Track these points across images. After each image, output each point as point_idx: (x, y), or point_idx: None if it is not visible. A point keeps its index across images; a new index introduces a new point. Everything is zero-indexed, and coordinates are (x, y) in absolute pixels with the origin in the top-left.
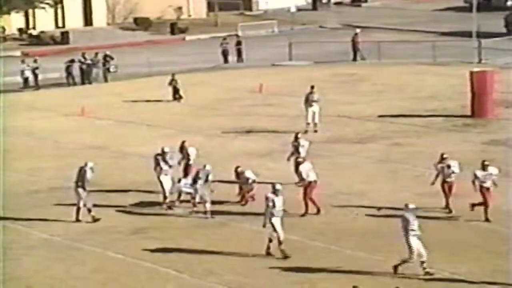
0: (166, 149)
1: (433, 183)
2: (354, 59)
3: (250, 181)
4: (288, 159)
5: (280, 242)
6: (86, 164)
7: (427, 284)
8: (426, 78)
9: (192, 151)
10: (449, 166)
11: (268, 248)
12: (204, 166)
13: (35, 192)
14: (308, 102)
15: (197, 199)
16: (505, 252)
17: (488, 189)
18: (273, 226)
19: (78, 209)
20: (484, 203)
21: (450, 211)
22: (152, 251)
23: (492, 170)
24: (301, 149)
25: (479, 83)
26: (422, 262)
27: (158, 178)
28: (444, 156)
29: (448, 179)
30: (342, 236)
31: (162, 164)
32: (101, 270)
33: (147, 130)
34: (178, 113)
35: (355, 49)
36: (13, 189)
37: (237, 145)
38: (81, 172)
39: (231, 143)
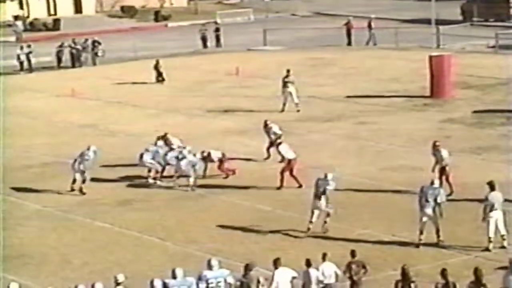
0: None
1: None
2: (349, 43)
3: (216, 159)
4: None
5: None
6: (89, 148)
7: (387, 247)
8: (389, 62)
9: (175, 142)
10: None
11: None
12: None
13: (28, 167)
14: (284, 84)
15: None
16: (461, 220)
17: (443, 167)
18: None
19: (74, 180)
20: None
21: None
22: (137, 221)
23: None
24: (272, 135)
25: (438, 66)
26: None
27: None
28: (437, 144)
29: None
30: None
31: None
32: (90, 238)
33: (132, 110)
34: (161, 94)
35: (349, 35)
36: (8, 164)
37: (216, 124)
38: (82, 154)
39: (210, 122)
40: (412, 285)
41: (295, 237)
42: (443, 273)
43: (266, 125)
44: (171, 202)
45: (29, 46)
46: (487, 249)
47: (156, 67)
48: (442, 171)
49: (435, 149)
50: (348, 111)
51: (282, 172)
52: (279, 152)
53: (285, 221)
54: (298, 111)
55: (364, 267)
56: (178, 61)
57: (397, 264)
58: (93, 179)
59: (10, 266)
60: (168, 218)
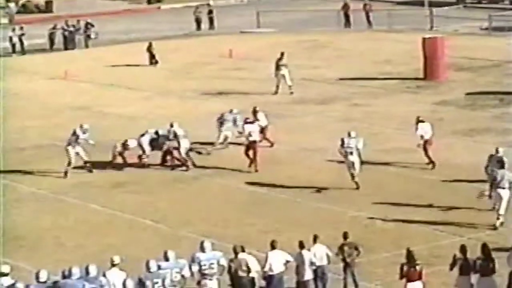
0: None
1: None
2: (346, 25)
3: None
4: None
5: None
6: (81, 126)
7: (380, 228)
8: (382, 44)
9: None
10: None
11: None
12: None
13: (22, 149)
14: (277, 66)
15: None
16: (454, 201)
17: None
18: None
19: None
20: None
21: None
22: (131, 203)
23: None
24: (261, 123)
25: (431, 48)
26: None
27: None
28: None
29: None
30: (305, 189)
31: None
32: (84, 221)
33: (126, 92)
34: (155, 77)
35: (347, 17)
36: (0, 147)
37: (209, 106)
38: (74, 134)
39: (204, 104)
40: (417, 267)
41: (289, 219)
42: (463, 249)
43: (255, 111)
44: (164, 184)
45: (21, 28)
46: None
47: (149, 49)
48: (425, 144)
49: (418, 124)
50: (341, 93)
51: (246, 153)
52: (243, 130)
53: (279, 203)
54: (291, 93)
55: (357, 248)
56: (172, 43)
57: (390, 246)
58: (86, 162)
59: (3, 248)
60: (161, 200)
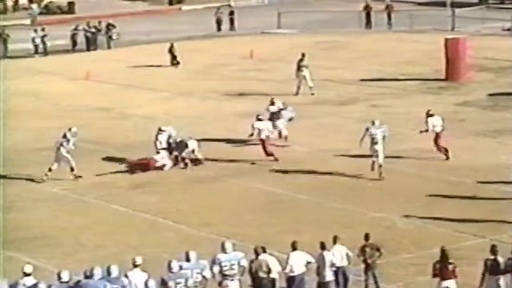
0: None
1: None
2: (367, 26)
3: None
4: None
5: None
6: (70, 129)
7: (401, 229)
8: (403, 45)
9: (192, 144)
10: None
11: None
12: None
13: (39, 149)
14: (299, 67)
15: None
16: (475, 203)
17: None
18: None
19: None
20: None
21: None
22: (152, 204)
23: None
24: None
25: (453, 49)
26: None
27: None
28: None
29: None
30: (326, 189)
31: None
32: (105, 221)
33: (147, 93)
34: (176, 78)
35: (368, 17)
36: (20, 147)
37: (230, 107)
38: (64, 136)
39: (224, 105)
40: (450, 266)
41: (309, 220)
42: (493, 249)
43: (272, 103)
44: (185, 185)
45: (43, 29)
46: None
47: (171, 50)
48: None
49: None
50: (361, 94)
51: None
52: (253, 127)
53: (300, 204)
54: (312, 94)
55: (378, 250)
56: (193, 44)
57: (412, 247)
58: (107, 162)
59: (24, 247)
60: (182, 201)
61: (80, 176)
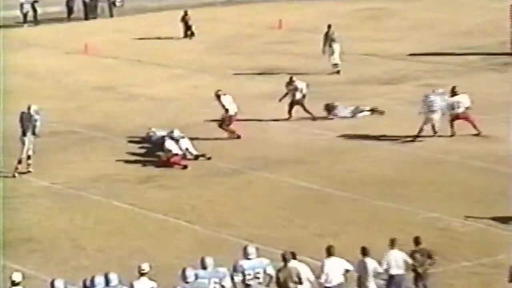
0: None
1: None
2: None
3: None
4: (280, 100)
5: None
6: (29, 108)
7: (458, 233)
8: (462, 12)
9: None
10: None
11: None
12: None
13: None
14: (327, 41)
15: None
16: None
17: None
18: None
19: (20, 161)
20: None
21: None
22: (162, 200)
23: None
24: (297, 94)
25: None
26: None
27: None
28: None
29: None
30: (368, 185)
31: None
32: (106, 220)
33: (156, 69)
34: (190, 51)
35: None
36: (10, 134)
37: (253, 86)
38: (24, 117)
39: (247, 85)
40: None
41: (348, 220)
42: None
43: (291, 81)
44: (201, 178)
45: None
46: None
47: (184, 19)
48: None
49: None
50: (411, 72)
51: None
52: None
53: (337, 202)
54: (337, 72)
55: (430, 257)
56: (210, 12)
57: (471, 254)
58: (109, 151)
59: (13, 252)
60: (197, 197)
61: (30, 171)
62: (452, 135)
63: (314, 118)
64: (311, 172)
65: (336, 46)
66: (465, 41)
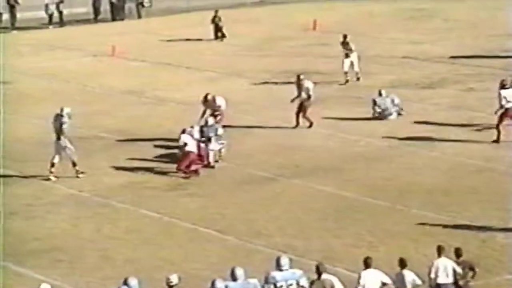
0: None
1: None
2: None
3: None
4: (292, 101)
5: None
6: (61, 110)
7: (502, 244)
8: (504, 14)
9: (220, 101)
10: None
11: None
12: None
13: None
14: (344, 52)
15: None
16: None
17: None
18: None
19: (53, 165)
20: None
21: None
22: (192, 209)
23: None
24: (303, 93)
25: None
26: None
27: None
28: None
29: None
30: (406, 193)
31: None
32: (134, 230)
33: (186, 73)
34: (221, 54)
35: None
36: (35, 139)
37: (287, 90)
38: (57, 119)
39: (280, 89)
40: None
41: (385, 230)
42: None
43: (299, 79)
44: (232, 186)
45: None
46: None
47: (215, 20)
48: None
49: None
50: (452, 75)
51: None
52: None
53: (374, 210)
54: (358, 79)
55: (472, 269)
56: (242, 13)
57: None
58: (137, 158)
59: (38, 262)
60: (228, 206)
61: (82, 172)
62: (497, 141)
63: (311, 125)
64: (346, 180)
65: (354, 58)
66: (507, 43)
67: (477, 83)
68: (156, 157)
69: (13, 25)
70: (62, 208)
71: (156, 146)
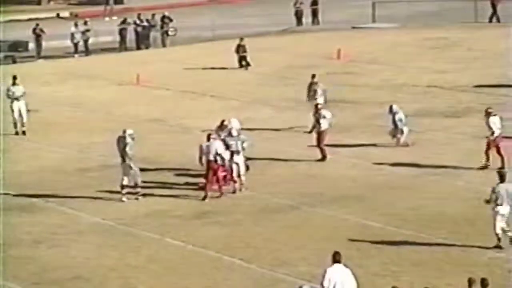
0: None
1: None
2: (490, 20)
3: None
4: (310, 132)
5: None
6: (124, 132)
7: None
8: None
9: (234, 123)
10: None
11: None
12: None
13: (84, 170)
14: (310, 93)
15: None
16: None
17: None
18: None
19: (123, 187)
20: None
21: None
22: (216, 238)
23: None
24: (322, 121)
25: None
26: None
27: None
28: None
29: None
30: (431, 223)
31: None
32: (158, 258)
33: (210, 101)
34: (245, 82)
35: (494, 8)
36: (60, 167)
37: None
38: (120, 142)
39: (305, 117)
40: None
41: (410, 260)
42: None
43: (317, 108)
44: (256, 215)
45: (85, 23)
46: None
47: (239, 49)
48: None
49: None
50: (476, 104)
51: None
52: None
53: (398, 240)
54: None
55: None
56: (266, 41)
57: None
58: (161, 186)
59: None
60: (253, 234)
61: (143, 195)
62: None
63: (323, 158)
64: (371, 209)
65: (320, 100)
66: None
67: (502, 112)
68: (180, 185)
69: (39, 54)
70: (86, 236)
71: (180, 174)
